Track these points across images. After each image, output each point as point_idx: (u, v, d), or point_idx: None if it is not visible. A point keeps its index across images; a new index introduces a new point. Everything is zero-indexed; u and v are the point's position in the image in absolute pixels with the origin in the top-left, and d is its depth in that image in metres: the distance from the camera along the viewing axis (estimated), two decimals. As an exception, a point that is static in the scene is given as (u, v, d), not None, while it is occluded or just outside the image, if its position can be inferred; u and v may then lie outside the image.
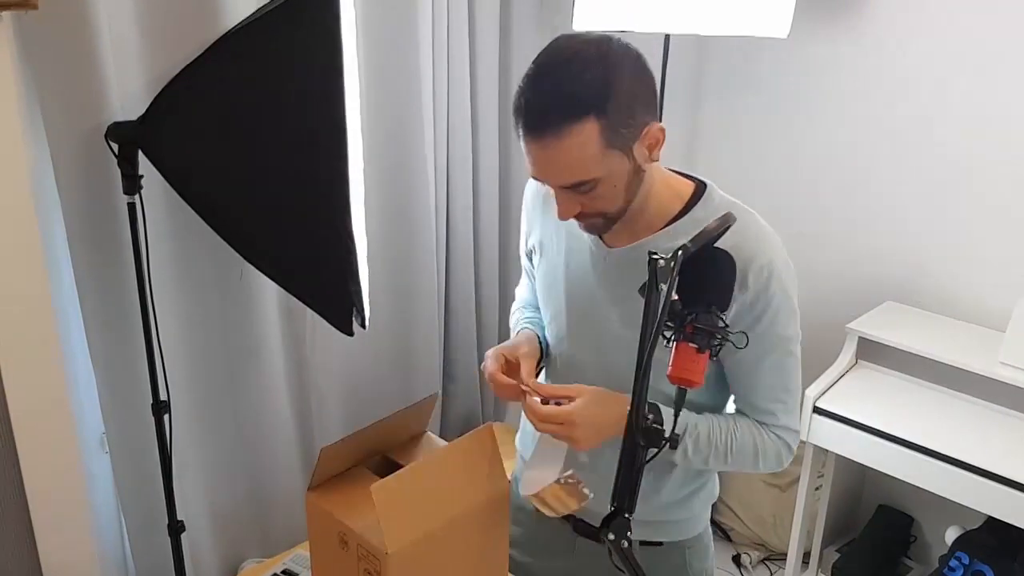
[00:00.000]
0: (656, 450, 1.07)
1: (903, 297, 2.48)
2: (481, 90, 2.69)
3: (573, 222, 1.24)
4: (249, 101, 1.62)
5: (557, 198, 1.19)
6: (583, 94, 1.09)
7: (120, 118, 1.72)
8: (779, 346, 1.26)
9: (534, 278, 1.48)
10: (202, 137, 1.66)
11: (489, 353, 1.34)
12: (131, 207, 1.70)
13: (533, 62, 1.13)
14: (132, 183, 1.68)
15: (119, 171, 1.68)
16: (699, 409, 1.31)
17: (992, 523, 2.18)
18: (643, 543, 1.42)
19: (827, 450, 2.26)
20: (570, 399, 1.21)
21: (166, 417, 1.83)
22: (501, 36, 2.72)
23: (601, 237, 1.29)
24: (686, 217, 1.24)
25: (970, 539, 2.24)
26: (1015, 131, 2.21)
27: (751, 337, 1.21)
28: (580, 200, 1.18)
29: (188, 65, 1.66)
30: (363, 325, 1.77)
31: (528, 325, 1.48)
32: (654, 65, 1.19)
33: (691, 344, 1.04)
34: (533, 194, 1.44)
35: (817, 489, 2.45)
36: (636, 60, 1.14)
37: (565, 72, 1.11)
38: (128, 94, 1.76)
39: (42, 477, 1.76)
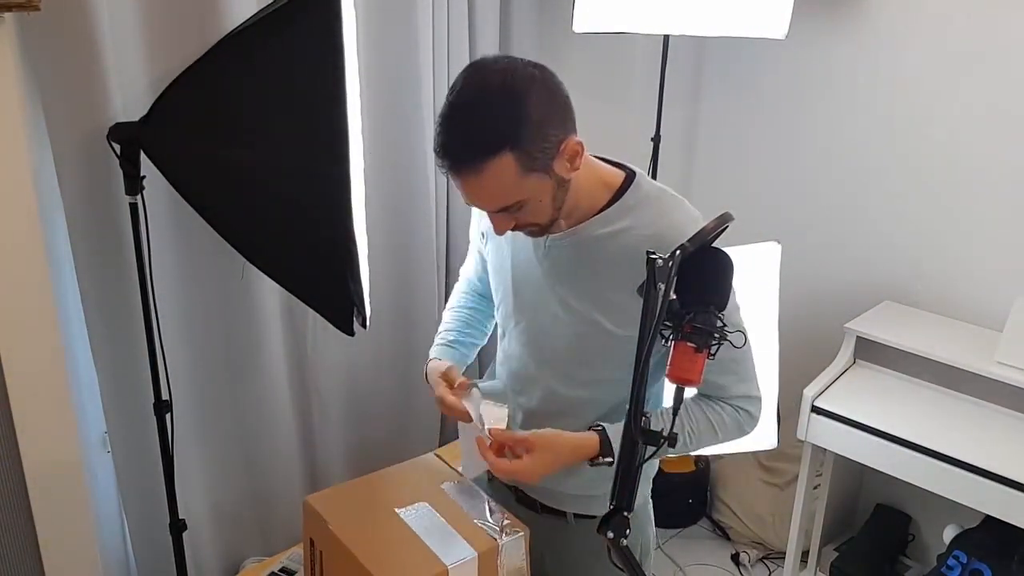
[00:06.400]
0: (655, 448, 1.09)
1: (901, 297, 2.49)
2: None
3: None
4: (250, 101, 1.63)
5: (490, 218, 1.27)
6: (494, 130, 1.15)
7: (122, 119, 1.73)
8: None
9: (482, 256, 1.54)
10: (204, 138, 1.67)
11: (432, 378, 1.45)
12: (133, 207, 1.70)
13: (445, 100, 1.18)
14: (134, 183, 1.69)
15: (121, 171, 1.69)
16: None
17: (990, 522, 2.18)
18: (577, 516, 1.47)
19: (825, 449, 2.27)
20: (527, 449, 1.28)
21: (168, 416, 1.84)
22: (501, 36, 2.72)
23: None
24: (617, 204, 1.30)
25: (968, 538, 2.25)
26: (1012, 131, 2.22)
27: None
28: (512, 217, 1.25)
29: (190, 66, 1.67)
30: (364, 325, 1.77)
31: (439, 352, 1.55)
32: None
33: (689, 343, 1.05)
34: None
35: (815, 488, 2.46)
36: (543, 82, 1.18)
37: (474, 111, 1.16)
38: (130, 95, 1.77)
39: (44, 476, 1.76)
